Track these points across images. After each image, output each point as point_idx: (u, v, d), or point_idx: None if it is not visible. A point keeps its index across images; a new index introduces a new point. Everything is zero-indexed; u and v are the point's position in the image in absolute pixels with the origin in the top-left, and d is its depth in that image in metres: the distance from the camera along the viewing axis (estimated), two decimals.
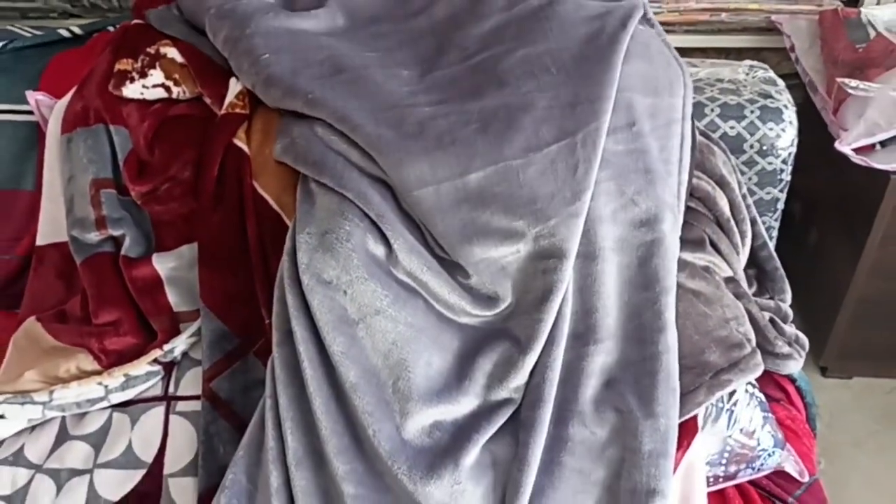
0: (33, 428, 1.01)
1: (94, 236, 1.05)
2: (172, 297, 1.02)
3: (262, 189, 1.00)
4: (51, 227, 1.13)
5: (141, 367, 0.99)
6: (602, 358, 0.89)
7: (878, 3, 1.74)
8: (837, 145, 1.43)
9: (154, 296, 1.02)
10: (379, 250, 0.86)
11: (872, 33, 1.59)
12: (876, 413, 1.66)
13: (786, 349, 1.09)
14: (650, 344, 0.89)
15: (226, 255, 0.99)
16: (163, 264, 1.02)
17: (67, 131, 1.10)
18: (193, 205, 1.03)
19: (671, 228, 0.93)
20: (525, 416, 0.85)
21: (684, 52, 1.90)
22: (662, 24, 1.84)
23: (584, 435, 0.85)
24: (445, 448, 0.83)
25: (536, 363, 0.86)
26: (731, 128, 1.17)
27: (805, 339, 1.15)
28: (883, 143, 1.44)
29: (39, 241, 1.13)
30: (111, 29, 1.30)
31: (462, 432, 0.84)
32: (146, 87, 1.08)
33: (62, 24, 1.91)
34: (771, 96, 1.19)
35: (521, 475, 0.80)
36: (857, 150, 1.44)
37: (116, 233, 1.04)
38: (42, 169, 1.15)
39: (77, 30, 1.31)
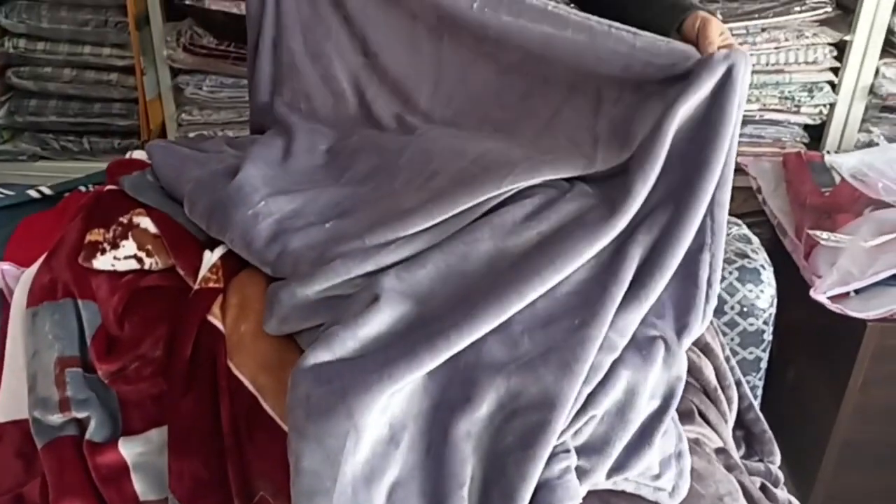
0: None
1: (56, 418, 0.99)
2: (139, 485, 0.96)
3: (237, 369, 0.96)
4: (12, 403, 1.07)
5: None
6: None
7: (838, 148, 1.80)
8: (813, 294, 1.44)
9: (119, 484, 0.96)
10: None
11: (837, 178, 1.63)
12: None
13: None
14: None
15: (197, 441, 0.94)
16: (130, 449, 0.96)
17: (33, 304, 1.05)
18: (164, 385, 0.98)
19: None
20: None
21: None
22: None
23: None
24: None
25: None
26: None
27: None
28: (857, 290, 1.46)
29: None
30: (83, 189, 1.28)
31: None
32: (118, 258, 1.05)
33: (31, 168, 1.92)
34: (748, 256, 1.20)
35: None
36: (832, 298, 1.45)
37: (81, 415, 0.99)
38: (5, 340, 1.11)
39: (47, 191, 1.29)
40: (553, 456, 0.83)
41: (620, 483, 0.90)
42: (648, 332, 0.90)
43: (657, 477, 0.91)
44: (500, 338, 0.88)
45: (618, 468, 0.88)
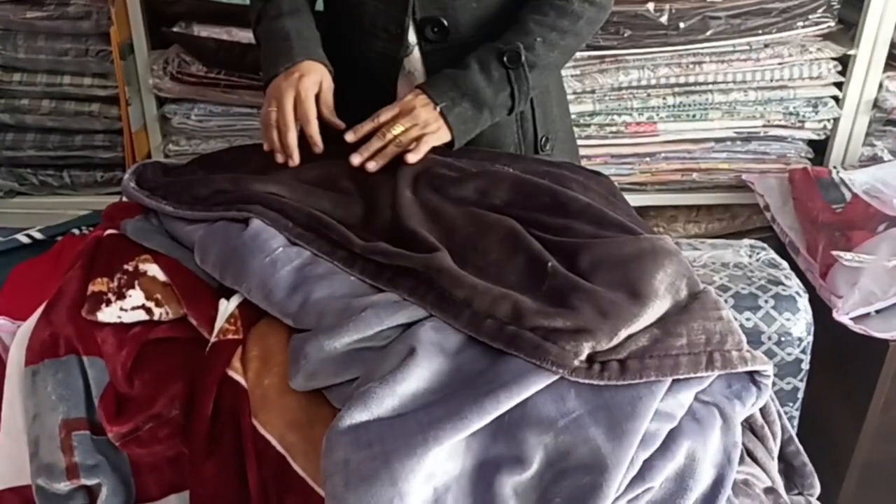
0: None
1: (64, 486, 0.92)
2: None
3: (262, 427, 0.89)
4: (10, 468, 0.99)
5: None
6: None
7: (842, 163, 1.78)
8: (836, 315, 1.41)
9: None
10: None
11: (847, 194, 1.60)
12: None
13: None
14: None
15: None
16: None
17: (33, 363, 0.98)
18: (181, 447, 0.91)
19: None
20: None
21: (656, 210, 1.90)
22: (634, 184, 1.85)
23: None
24: None
25: None
26: (748, 319, 1.13)
27: None
28: (877, 310, 1.43)
29: None
30: (76, 232, 1.20)
31: None
32: (124, 309, 0.98)
33: (8, 205, 1.83)
34: (781, 282, 1.16)
35: None
36: (854, 319, 1.42)
37: (91, 482, 0.92)
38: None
39: (37, 234, 1.21)
40: None
41: None
42: (701, 396, 0.86)
43: None
44: (546, 390, 0.83)
45: None
